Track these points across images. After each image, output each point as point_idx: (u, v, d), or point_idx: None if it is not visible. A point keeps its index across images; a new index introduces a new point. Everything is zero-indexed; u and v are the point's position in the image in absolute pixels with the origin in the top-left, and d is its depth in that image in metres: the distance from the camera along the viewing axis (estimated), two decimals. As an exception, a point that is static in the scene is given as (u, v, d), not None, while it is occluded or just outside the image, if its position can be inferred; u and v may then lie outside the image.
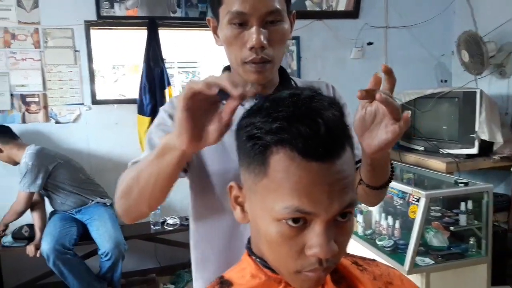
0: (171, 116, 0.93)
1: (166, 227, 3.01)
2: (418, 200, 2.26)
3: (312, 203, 0.52)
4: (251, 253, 0.67)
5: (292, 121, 0.52)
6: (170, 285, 3.01)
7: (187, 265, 3.13)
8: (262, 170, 0.55)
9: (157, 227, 3.00)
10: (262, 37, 0.82)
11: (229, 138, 0.87)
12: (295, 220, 0.54)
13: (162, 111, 0.96)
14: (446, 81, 3.80)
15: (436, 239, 2.44)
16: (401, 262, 2.23)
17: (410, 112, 0.55)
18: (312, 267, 0.56)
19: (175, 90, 3.23)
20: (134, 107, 3.06)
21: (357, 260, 0.72)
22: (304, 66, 3.45)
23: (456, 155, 2.98)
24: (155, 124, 0.95)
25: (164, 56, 3.05)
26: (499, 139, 2.95)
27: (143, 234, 2.97)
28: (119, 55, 4.11)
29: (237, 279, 0.66)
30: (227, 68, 1.00)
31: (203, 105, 0.62)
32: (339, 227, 0.56)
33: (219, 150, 0.89)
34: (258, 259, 0.65)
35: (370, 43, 3.56)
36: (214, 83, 0.59)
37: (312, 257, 0.55)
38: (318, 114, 0.53)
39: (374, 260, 0.75)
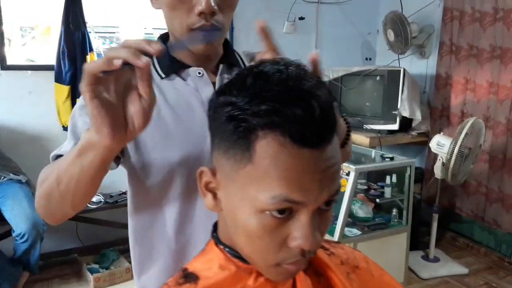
0: None
1: (89, 205, 2.82)
2: (348, 174, 2.35)
3: (302, 192, 0.48)
4: (218, 242, 0.61)
5: (284, 102, 0.46)
6: (94, 265, 2.85)
7: (112, 244, 2.99)
8: (246, 156, 0.49)
9: (79, 205, 2.80)
10: (212, 1, 0.73)
11: (173, 120, 0.80)
12: (280, 211, 0.49)
13: None
14: (370, 59, 3.96)
15: (362, 211, 2.58)
16: (331, 233, 2.32)
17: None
18: (294, 259, 0.52)
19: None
20: (51, 75, 2.77)
21: (324, 244, 0.70)
22: (237, 37, 3.36)
23: (379, 131, 3.13)
24: (78, 105, 0.82)
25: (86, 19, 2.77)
26: (418, 116, 3.15)
27: (63, 212, 2.76)
28: (28, 16, 3.67)
29: (203, 271, 0.60)
30: (163, 37, 0.90)
31: (114, 86, 0.55)
32: (322, 215, 0.52)
33: (160, 135, 0.80)
34: (227, 249, 0.60)
35: (301, 18, 3.56)
36: (112, 56, 0.51)
37: (296, 249, 0.51)
38: (312, 95, 0.47)
39: (339, 242, 0.73)
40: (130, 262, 2.93)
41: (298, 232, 0.50)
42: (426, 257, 3.05)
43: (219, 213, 0.60)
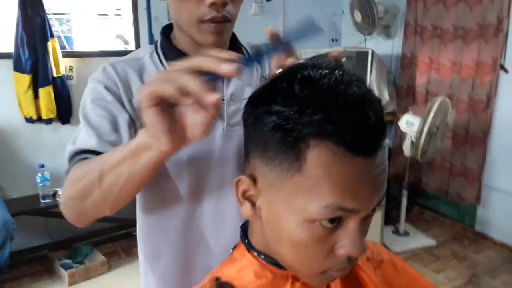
0: (108, 89, 0.77)
1: (58, 199, 2.71)
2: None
3: (355, 200, 0.47)
4: (250, 248, 0.60)
5: (338, 110, 0.45)
6: (67, 260, 2.76)
7: (84, 237, 2.89)
8: (294, 166, 0.47)
9: (47, 200, 2.67)
10: None
11: None
12: (331, 220, 0.48)
13: (96, 82, 0.79)
14: (336, 40, 3.98)
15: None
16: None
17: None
18: (341, 266, 0.52)
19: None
20: (9, 63, 2.59)
21: None
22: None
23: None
24: (89, 98, 0.78)
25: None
26: (386, 97, 3.23)
27: (32, 209, 2.63)
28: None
29: (238, 279, 0.58)
30: (167, 29, 0.85)
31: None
32: (366, 220, 0.52)
33: None
34: (262, 256, 0.58)
35: (269, -1, 3.51)
36: (190, 91, 0.47)
37: (343, 257, 0.51)
38: (366, 102, 0.46)
39: None
40: (104, 255, 2.85)
41: (347, 240, 0.49)
42: (396, 232, 3.18)
43: (254, 220, 0.58)
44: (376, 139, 0.47)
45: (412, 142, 2.89)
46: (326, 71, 0.48)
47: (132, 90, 0.79)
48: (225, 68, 0.47)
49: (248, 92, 0.83)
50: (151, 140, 0.55)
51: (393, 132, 3.58)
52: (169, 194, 0.82)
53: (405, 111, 3.48)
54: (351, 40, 3.70)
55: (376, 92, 3.11)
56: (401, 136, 3.50)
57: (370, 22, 3.27)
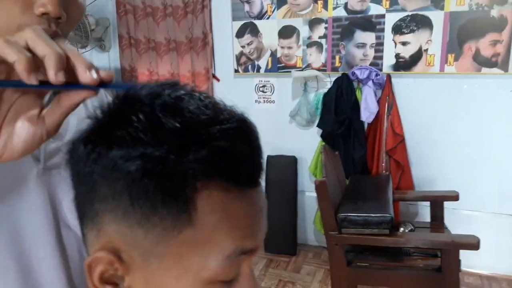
0: None
1: None
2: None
3: (254, 237, 0.41)
4: None
5: (225, 142, 0.37)
6: None
7: None
8: (183, 220, 0.37)
9: None
10: (59, 3, 0.52)
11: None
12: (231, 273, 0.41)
13: None
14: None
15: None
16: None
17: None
18: None
19: None
20: None
21: None
22: None
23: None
24: None
25: None
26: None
27: None
28: None
29: None
30: None
31: None
32: None
33: None
34: None
35: None
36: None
37: None
38: (244, 127, 0.40)
39: None
40: None
41: (247, 286, 0.42)
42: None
43: None
44: (261, 165, 0.42)
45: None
46: (183, 94, 0.39)
47: None
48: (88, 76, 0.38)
49: (73, 126, 0.62)
50: None
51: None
52: None
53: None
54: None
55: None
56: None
57: (83, 34, 3.05)
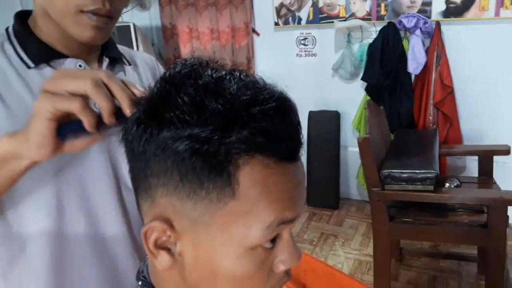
0: None
1: None
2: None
3: (293, 208, 0.44)
4: None
5: (265, 121, 0.40)
6: None
7: None
8: (226, 193, 0.41)
9: None
10: None
11: None
12: (272, 240, 0.45)
13: None
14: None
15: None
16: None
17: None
18: (281, 283, 0.48)
19: None
20: None
21: None
22: None
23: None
24: None
25: None
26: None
27: None
28: None
29: None
30: (22, 16, 0.70)
31: None
32: None
33: None
34: None
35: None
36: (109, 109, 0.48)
37: (282, 273, 0.47)
38: (284, 104, 0.43)
39: None
40: None
41: (285, 254, 0.46)
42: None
43: (168, 271, 0.47)
44: (299, 142, 0.45)
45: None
46: (224, 74, 0.43)
47: None
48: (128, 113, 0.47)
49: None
50: (23, 149, 0.52)
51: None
52: (28, 215, 0.67)
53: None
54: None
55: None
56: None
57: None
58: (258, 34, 3.19)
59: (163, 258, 0.45)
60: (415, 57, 2.61)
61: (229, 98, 0.40)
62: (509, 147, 2.16)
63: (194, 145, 0.39)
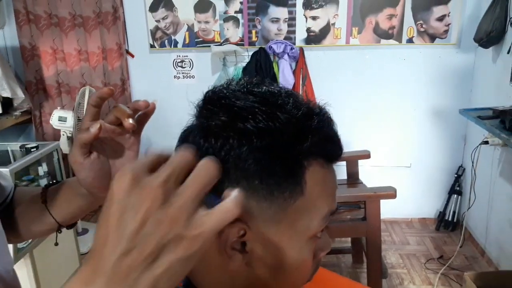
0: None
1: None
2: None
3: (335, 201, 0.53)
4: None
5: (324, 128, 0.49)
6: None
7: None
8: (297, 191, 0.47)
9: None
10: None
11: None
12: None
13: None
14: None
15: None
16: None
17: None
18: (315, 271, 0.55)
19: None
20: None
21: None
22: None
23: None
24: None
25: None
26: (20, 94, 2.86)
27: None
28: None
29: None
30: None
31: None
32: None
33: None
34: None
35: None
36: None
37: (319, 259, 0.55)
38: (325, 112, 0.51)
39: None
40: None
41: (323, 241, 0.54)
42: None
43: (235, 272, 0.49)
44: (342, 144, 0.54)
45: (68, 137, 2.76)
46: (272, 89, 0.50)
47: None
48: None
49: None
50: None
51: (33, 132, 3.23)
52: None
53: (40, 107, 3.22)
54: None
55: (8, 92, 2.71)
56: (43, 135, 3.23)
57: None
58: (132, 56, 3.14)
59: (237, 259, 0.47)
60: (285, 78, 2.92)
61: (292, 111, 0.47)
62: (369, 152, 2.59)
63: (274, 152, 0.45)
